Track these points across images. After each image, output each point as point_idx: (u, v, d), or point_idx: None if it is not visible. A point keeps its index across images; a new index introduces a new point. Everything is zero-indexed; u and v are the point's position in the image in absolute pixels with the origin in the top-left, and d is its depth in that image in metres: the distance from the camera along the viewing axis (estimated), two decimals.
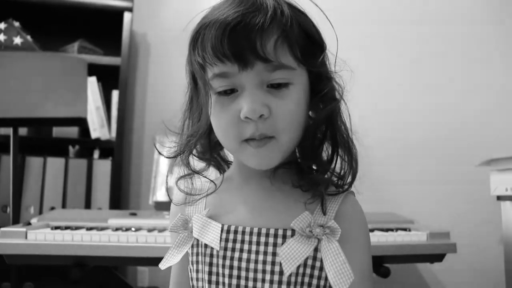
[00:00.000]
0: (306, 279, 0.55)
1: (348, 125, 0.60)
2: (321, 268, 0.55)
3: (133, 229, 1.12)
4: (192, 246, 0.60)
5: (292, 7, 0.58)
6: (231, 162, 0.67)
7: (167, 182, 0.65)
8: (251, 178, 0.62)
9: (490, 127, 1.73)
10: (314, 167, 0.60)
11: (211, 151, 0.65)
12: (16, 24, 1.66)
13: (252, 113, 0.52)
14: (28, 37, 1.67)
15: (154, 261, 0.61)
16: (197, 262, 0.60)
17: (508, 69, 1.77)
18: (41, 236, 1.04)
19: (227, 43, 0.52)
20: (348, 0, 1.84)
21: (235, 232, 0.57)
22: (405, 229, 1.20)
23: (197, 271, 0.60)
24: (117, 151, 1.71)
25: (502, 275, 1.28)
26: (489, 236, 1.64)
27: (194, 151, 0.64)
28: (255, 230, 0.57)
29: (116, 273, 1.52)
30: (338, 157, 0.60)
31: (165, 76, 1.90)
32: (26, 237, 1.03)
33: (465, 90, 1.77)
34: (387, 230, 1.18)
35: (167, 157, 0.64)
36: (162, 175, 1.50)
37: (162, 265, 0.60)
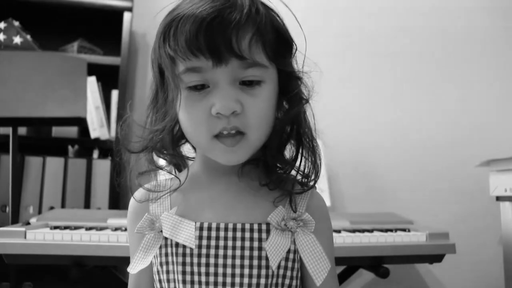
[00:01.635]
0: (281, 271, 0.57)
1: (312, 125, 0.61)
2: (294, 260, 0.57)
3: None
4: (160, 247, 0.58)
5: (265, 6, 0.58)
6: (191, 158, 0.66)
7: (129, 180, 0.63)
8: (218, 176, 0.61)
9: (490, 127, 1.74)
10: (279, 165, 0.61)
11: (173, 146, 0.63)
12: (16, 23, 1.66)
13: (225, 110, 0.52)
14: (28, 37, 1.66)
15: None
16: (167, 263, 0.58)
17: (508, 69, 1.77)
18: (40, 236, 1.03)
19: (203, 37, 0.51)
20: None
21: (209, 229, 0.57)
22: (404, 230, 1.20)
23: (168, 272, 0.58)
24: (117, 150, 1.71)
25: (501, 275, 1.28)
26: (488, 236, 1.64)
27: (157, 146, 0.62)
28: (230, 226, 0.56)
29: (116, 273, 1.52)
30: (303, 156, 0.61)
31: None
32: (25, 237, 1.03)
33: (465, 90, 1.77)
34: (386, 230, 1.18)
35: (132, 152, 0.63)
36: (162, 175, 1.49)
37: (131, 270, 0.59)
